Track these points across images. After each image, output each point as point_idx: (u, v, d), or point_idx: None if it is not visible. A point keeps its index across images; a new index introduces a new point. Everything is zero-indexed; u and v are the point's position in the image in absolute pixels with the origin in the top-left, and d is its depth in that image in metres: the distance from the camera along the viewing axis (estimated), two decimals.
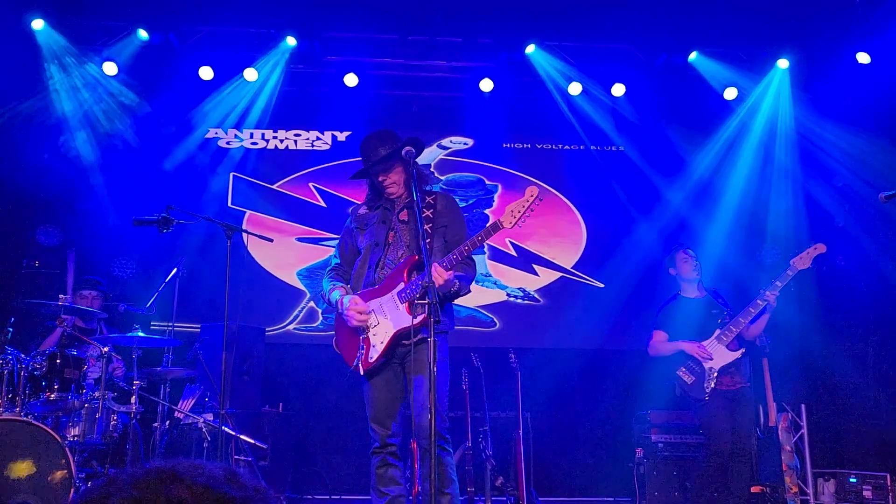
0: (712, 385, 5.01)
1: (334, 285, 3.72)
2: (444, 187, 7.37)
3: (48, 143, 6.87)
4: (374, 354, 3.45)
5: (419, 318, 3.37)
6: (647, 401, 6.40)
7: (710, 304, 5.29)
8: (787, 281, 4.94)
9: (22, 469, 3.99)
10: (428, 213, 3.65)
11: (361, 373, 3.48)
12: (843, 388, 6.85)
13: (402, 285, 3.48)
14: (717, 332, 5.08)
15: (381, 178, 3.69)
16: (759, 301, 4.97)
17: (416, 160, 3.59)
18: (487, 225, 3.51)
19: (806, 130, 7.12)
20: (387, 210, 3.74)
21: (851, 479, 6.17)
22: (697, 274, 5.30)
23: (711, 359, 5.04)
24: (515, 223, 3.44)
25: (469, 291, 3.67)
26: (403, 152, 3.52)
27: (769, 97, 7.14)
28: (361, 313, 3.49)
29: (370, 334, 3.49)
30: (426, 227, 3.58)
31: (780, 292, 4.95)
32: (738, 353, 5.04)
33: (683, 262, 5.33)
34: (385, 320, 3.46)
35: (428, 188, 3.83)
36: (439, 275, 3.32)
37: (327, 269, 3.89)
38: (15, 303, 4.87)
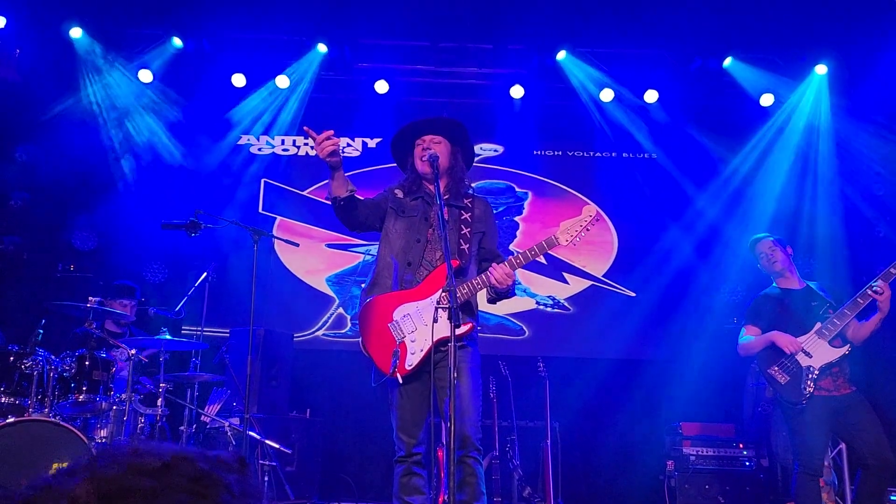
0: (811, 388, 4.28)
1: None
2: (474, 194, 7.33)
3: (83, 149, 6.99)
4: (414, 361, 3.37)
5: (464, 329, 3.34)
6: (679, 412, 6.28)
7: (811, 296, 4.54)
8: None
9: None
10: (466, 215, 3.60)
11: (400, 381, 3.38)
12: (882, 402, 6.64)
13: (441, 292, 3.40)
14: (818, 325, 4.35)
15: (427, 139, 3.66)
16: (868, 291, 4.21)
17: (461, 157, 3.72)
18: (543, 240, 3.44)
19: (845, 137, 6.94)
20: (427, 204, 3.63)
21: (892, 497, 5.98)
22: (783, 266, 4.56)
23: (809, 355, 4.32)
24: (571, 241, 3.43)
25: (514, 294, 3.64)
26: (457, 128, 3.68)
27: (807, 103, 6.98)
28: (329, 138, 3.32)
29: (407, 340, 3.41)
30: (465, 230, 3.54)
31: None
32: (842, 350, 4.32)
33: (764, 259, 4.62)
34: (424, 327, 3.36)
35: (465, 191, 3.75)
36: (507, 275, 3.37)
37: None
38: (46, 305, 4.93)
